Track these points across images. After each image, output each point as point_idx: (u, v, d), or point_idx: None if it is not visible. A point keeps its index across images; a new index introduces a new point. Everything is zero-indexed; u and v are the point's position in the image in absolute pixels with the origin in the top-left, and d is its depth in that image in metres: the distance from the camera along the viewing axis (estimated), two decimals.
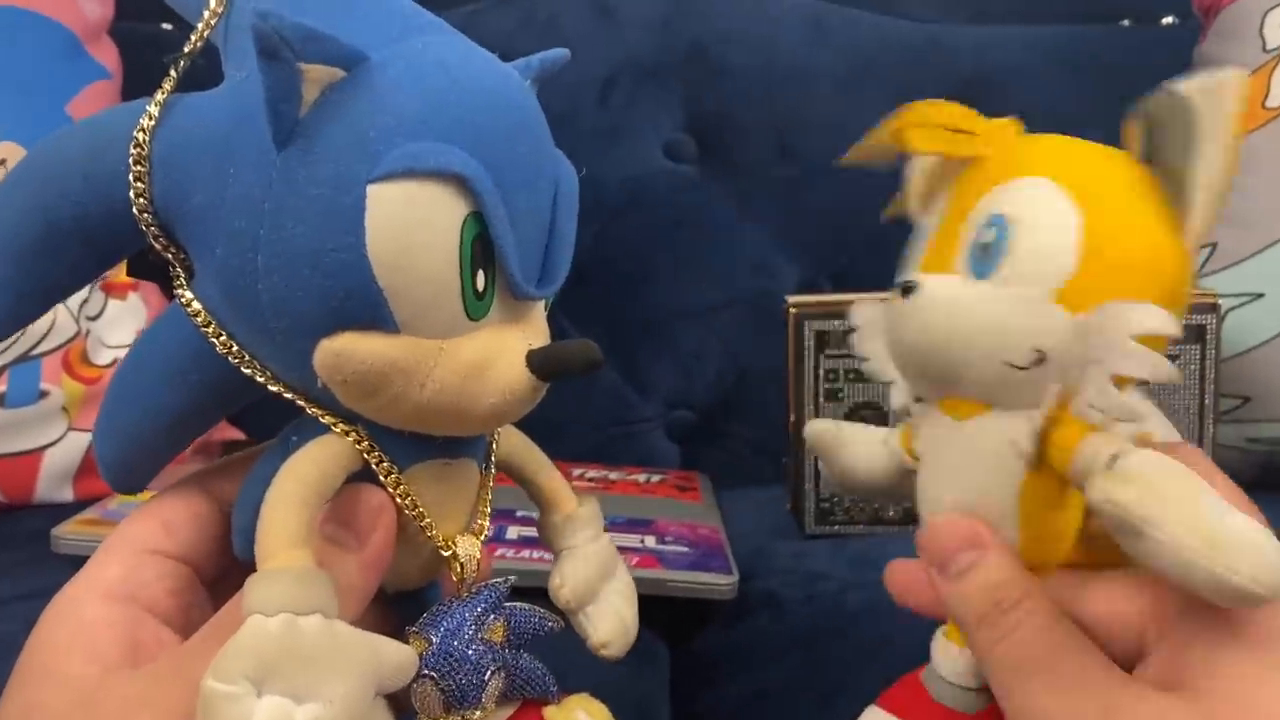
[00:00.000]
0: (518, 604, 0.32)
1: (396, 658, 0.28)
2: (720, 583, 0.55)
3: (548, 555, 0.36)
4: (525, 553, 0.55)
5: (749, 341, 0.86)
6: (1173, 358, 0.62)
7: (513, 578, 0.33)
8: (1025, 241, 0.29)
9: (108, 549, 0.30)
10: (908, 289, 0.30)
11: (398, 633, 0.30)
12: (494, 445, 0.34)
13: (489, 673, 0.30)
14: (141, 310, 0.75)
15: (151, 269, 0.30)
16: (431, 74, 0.27)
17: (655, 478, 0.76)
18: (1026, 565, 0.31)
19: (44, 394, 0.69)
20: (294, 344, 0.27)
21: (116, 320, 0.74)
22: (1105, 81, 0.89)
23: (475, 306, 0.28)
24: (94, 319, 0.73)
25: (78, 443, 0.70)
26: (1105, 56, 0.93)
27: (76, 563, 0.58)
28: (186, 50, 0.30)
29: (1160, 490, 0.26)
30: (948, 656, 0.32)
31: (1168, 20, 0.96)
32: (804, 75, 0.91)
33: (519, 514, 0.59)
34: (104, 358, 0.72)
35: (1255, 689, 0.26)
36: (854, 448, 0.38)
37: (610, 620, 0.35)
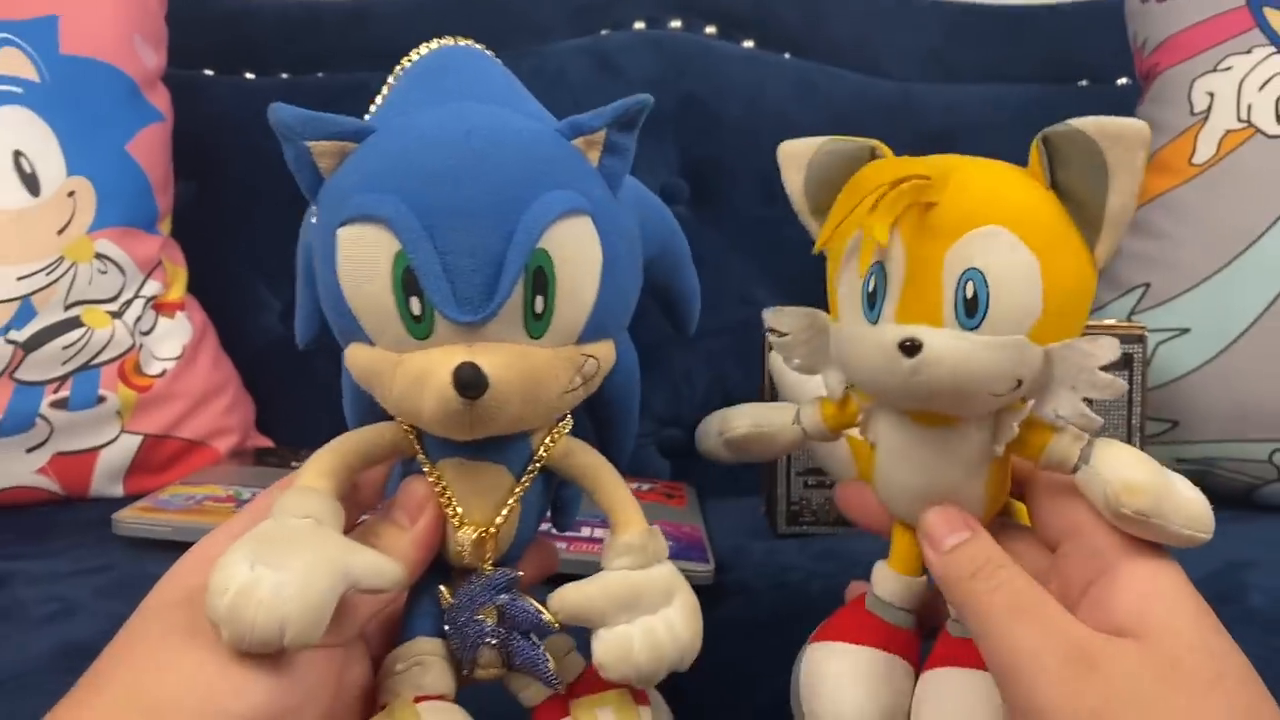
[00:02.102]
0: (520, 598, 0.35)
1: (371, 562, 0.31)
2: (698, 569, 0.60)
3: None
4: (577, 543, 0.60)
5: (733, 366, 0.90)
6: None
7: (520, 573, 0.36)
8: (1004, 295, 0.33)
9: (236, 515, 0.35)
10: (913, 348, 0.32)
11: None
12: (539, 454, 0.36)
13: (478, 647, 0.35)
14: (187, 327, 0.81)
15: None
16: (405, 137, 0.31)
17: (646, 486, 0.80)
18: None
19: (101, 399, 0.75)
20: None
21: (165, 335, 0.79)
22: None
23: (415, 328, 0.31)
24: (146, 334, 0.78)
25: (129, 444, 0.76)
26: (1064, 114, 0.91)
27: (135, 543, 0.66)
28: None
29: (1156, 492, 0.33)
30: (887, 581, 0.39)
31: (1122, 81, 1.01)
32: (789, 127, 0.92)
33: None
34: (154, 369, 0.78)
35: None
36: (767, 430, 0.42)
37: (613, 644, 0.33)
